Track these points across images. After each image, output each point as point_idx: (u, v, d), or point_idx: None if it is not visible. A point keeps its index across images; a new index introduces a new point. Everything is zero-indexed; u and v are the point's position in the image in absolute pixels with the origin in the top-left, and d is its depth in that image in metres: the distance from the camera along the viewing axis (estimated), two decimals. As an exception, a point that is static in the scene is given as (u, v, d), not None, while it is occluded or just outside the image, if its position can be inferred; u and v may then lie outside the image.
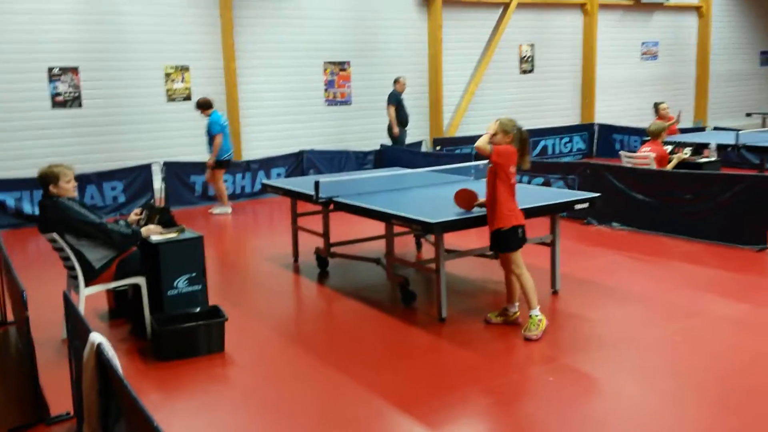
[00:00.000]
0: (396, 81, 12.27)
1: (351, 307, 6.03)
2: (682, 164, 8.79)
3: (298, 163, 12.00)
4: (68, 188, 5.18)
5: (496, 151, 4.96)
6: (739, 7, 18.88)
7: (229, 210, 10.32)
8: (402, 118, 12.25)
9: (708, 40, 17.81)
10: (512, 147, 5.01)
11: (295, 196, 7.11)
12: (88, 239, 5.11)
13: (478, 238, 7.34)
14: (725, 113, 18.33)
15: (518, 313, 5.37)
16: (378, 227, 6.73)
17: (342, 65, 13.20)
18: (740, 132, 9.77)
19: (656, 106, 10.95)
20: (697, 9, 17.77)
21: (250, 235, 9.39)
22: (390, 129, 12.19)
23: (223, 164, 10.17)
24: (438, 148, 12.88)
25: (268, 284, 6.89)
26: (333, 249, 7.03)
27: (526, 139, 5.11)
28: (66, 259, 5.14)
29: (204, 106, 10.07)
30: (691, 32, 17.91)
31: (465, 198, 5.51)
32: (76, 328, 3.43)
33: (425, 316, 5.69)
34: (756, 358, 4.66)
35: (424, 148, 13.33)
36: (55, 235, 5.04)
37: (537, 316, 5.08)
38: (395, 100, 12.12)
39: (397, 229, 6.11)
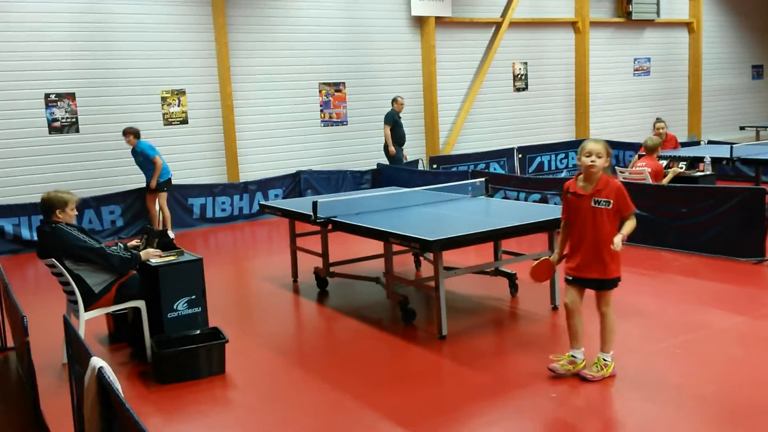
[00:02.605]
0: (393, 100, 12.35)
1: (351, 326, 6.02)
2: (677, 178, 8.84)
3: (296, 183, 12.04)
4: (72, 215, 5.23)
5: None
6: (729, 22, 19.09)
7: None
8: (398, 138, 12.32)
9: (699, 55, 17.98)
10: None
11: (294, 216, 7.13)
12: (87, 264, 5.12)
13: (477, 255, 7.36)
14: (719, 127, 18.46)
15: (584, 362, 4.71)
16: (377, 246, 6.75)
17: (337, 86, 13.29)
18: (735, 145, 9.83)
19: (655, 122, 11.07)
20: (687, 25, 17.95)
21: (249, 256, 9.40)
22: (386, 148, 12.26)
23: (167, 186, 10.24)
24: (434, 166, 12.93)
25: (268, 305, 6.89)
26: (332, 268, 7.04)
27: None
28: (65, 283, 5.14)
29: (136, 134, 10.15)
30: (682, 48, 18.08)
31: (544, 270, 4.87)
32: (77, 352, 3.42)
33: (425, 334, 5.68)
34: (757, 370, 4.66)
35: (420, 167, 13.38)
36: (53, 261, 5.05)
37: (606, 360, 4.58)
38: (392, 120, 12.19)
39: (396, 247, 6.13)
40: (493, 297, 6.52)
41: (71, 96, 10.86)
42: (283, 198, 11.65)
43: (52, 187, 6.14)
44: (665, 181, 8.68)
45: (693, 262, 7.39)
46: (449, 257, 6.17)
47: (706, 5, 18.19)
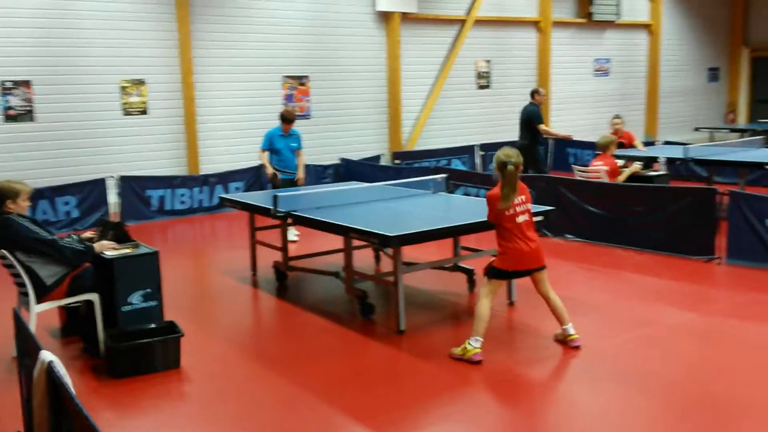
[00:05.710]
0: (535, 92, 10.94)
1: (309, 320, 6.02)
2: (633, 177, 9.01)
3: (257, 177, 11.95)
4: (24, 206, 5.13)
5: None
6: (687, 25, 19.50)
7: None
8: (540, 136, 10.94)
9: (658, 57, 18.34)
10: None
11: (254, 210, 7.08)
12: (40, 256, 5.02)
13: (437, 250, 7.42)
14: (675, 128, 18.87)
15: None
16: (337, 241, 6.75)
17: (301, 80, 13.21)
18: (689, 146, 10.06)
19: (613, 118, 11.24)
20: (647, 27, 18.29)
21: (208, 250, 9.31)
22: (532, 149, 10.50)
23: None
24: (397, 161, 12.97)
25: (225, 299, 6.83)
26: (291, 263, 7.02)
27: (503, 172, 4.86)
28: (16, 275, 5.03)
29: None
30: (641, 49, 18.42)
31: None
32: (26, 346, 3.36)
33: (384, 328, 5.71)
34: (704, 365, 4.80)
35: (383, 162, 13.40)
36: (5, 252, 4.94)
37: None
38: (537, 117, 10.69)
39: (356, 242, 6.14)
40: (451, 292, 6.58)
41: (27, 84, 10.59)
42: (244, 191, 11.55)
43: (5, 177, 5.99)
44: (621, 178, 8.84)
45: (646, 260, 7.55)
46: (409, 252, 6.20)
47: (666, 8, 18.55)
